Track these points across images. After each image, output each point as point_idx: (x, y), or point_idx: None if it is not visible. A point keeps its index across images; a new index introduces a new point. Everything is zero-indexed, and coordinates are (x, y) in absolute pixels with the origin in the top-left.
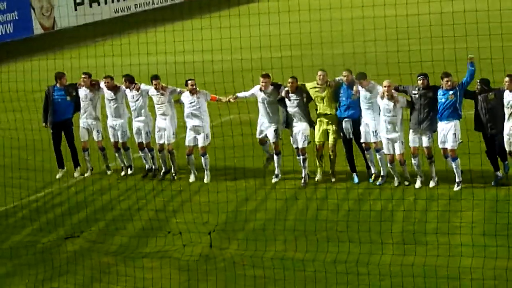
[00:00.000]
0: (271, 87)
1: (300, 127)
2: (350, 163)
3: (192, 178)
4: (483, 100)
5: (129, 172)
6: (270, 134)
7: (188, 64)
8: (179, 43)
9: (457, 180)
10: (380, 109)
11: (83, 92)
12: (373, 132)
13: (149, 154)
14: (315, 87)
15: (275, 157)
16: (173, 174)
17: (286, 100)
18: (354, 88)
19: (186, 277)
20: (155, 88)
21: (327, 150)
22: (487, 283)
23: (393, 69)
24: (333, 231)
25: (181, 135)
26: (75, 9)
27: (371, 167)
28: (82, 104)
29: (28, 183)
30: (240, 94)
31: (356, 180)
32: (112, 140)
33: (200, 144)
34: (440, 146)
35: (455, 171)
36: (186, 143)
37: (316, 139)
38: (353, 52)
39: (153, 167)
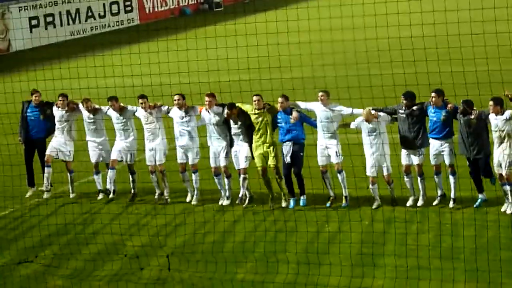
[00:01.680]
0: (216, 107)
1: (241, 148)
2: (289, 187)
3: (189, 197)
4: (465, 124)
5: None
6: (222, 159)
7: (145, 87)
8: (135, 66)
9: (452, 196)
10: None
11: (59, 113)
12: (336, 153)
13: (131, 177)
14: (253, 113)
15: (226, 180)
16: (166, 197)
17: (231, 121)
18: (294, 114)
19: None
20: (143, 108)
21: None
22: None
23: (354, 93)
24: (291, 253)
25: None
26: (31, 31)
27: (329, 190)
28: (58, 124)
29: None
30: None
31: (291, 205)
32: (93, 160)
33: (191, 162)
34: (432, 162)
35: (452, 187)
36: (179, 160)
37: (257, 165)
38: (313, 76)
39: (133, 191)
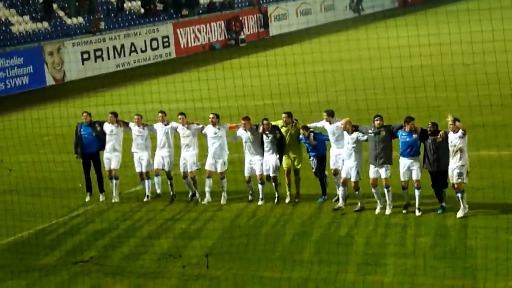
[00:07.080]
0: (252, 128)
1: (272, 157)
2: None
3: (207, 198)
4: (432, 142)
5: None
6: (257, 168)
7: (180, 111)
8: (171, 93)
9: (417, 206)
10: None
11: (109, 127)
12: (342, 160)
13: (169, 181)
14: (282, 126)
15: (260, 186)
16: (197, 198)
17: (264, 136)
18: (310, 138)
19: None
20: (181, 123)
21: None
22: None
23: (364, 114)
24: (305, 253)
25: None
26: (82, 64)
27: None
28: (108, 137)
29: (49, 210)
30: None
31: (320, 200)
32: (137, 170)
33: (219, 170)
34: (402, 178)
35: (417, 199)
36: (207, 167)
37: (284, 165)
38: (327, 100)
39: (171, 192)
